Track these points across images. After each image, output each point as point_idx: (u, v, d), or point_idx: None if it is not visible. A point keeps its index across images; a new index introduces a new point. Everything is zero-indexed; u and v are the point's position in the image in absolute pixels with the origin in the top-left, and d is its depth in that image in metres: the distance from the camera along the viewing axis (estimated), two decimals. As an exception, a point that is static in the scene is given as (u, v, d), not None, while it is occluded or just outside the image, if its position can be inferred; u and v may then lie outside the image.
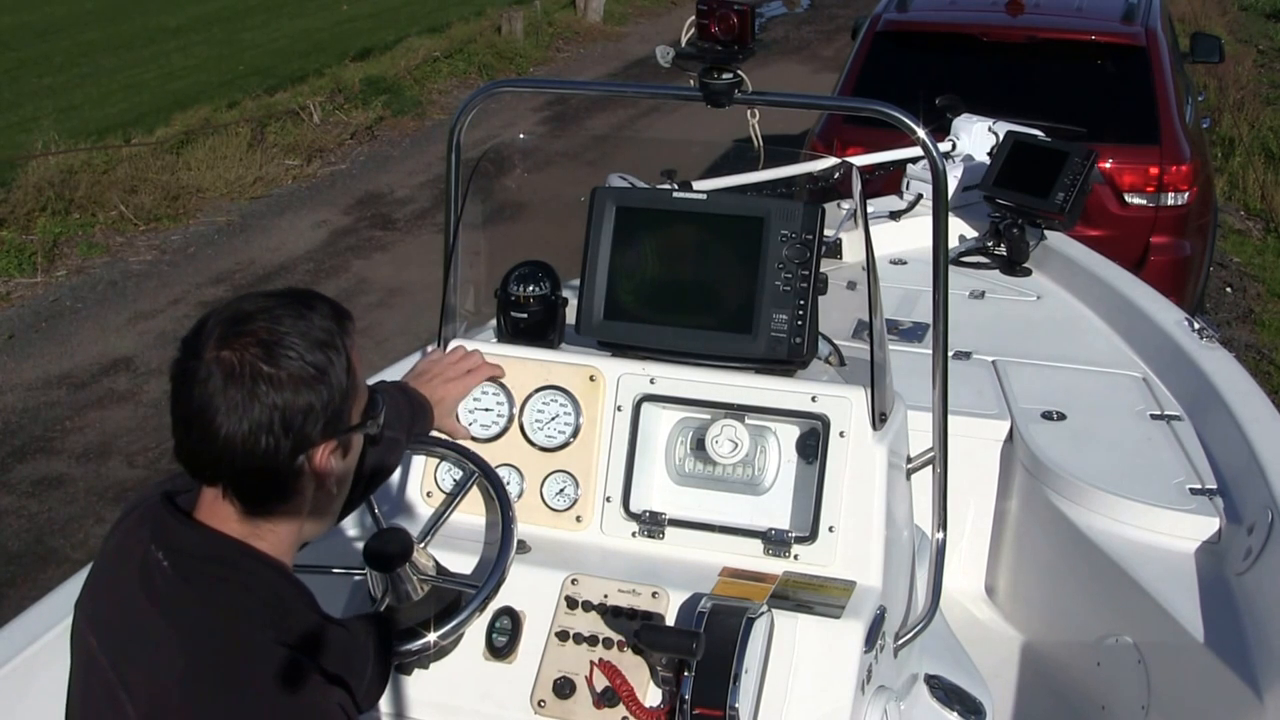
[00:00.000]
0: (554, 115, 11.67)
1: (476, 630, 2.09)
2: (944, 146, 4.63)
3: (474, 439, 2.33)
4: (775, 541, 2.17)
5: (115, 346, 7.10)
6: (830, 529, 2.15)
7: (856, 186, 2.57)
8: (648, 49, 12.97)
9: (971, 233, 4.44)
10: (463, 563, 2.13)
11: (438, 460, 2.33)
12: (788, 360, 2.24)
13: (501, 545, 2.06)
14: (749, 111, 3.06)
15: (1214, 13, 15.12)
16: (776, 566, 2.15)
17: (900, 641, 2.27)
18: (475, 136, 2.48)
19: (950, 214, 2.78)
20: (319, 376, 1.53)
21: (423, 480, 2.36)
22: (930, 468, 2.31)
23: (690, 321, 2.27)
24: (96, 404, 6.42)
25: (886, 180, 4.87)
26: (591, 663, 2.06)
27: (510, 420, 2.34)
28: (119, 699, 1.54)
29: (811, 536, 2.15)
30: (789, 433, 2.23)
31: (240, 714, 1.50)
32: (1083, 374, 3.45)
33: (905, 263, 4.11)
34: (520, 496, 2.30)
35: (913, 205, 4.48)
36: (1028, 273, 4.18)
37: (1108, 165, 5.48)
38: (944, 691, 2.39)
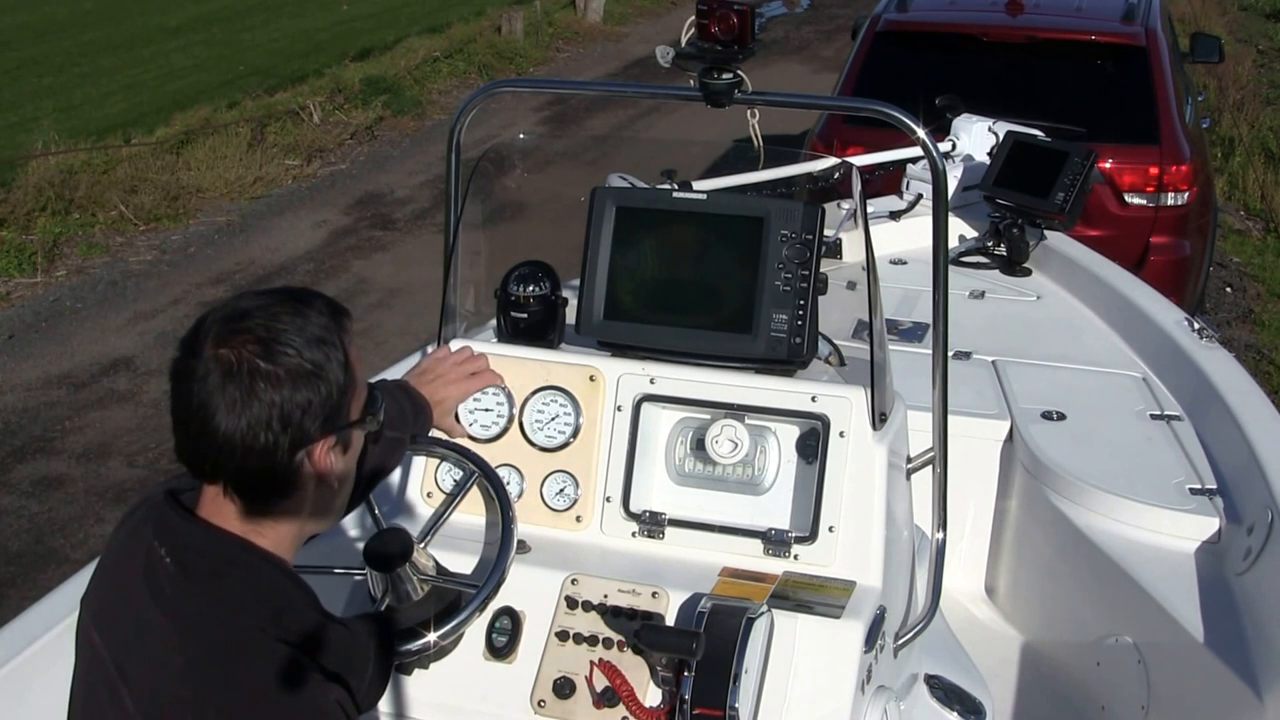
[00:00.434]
0: (554, 115, 11.67)
1: (476, 630, 2.09)
2: (944, 146, 4.63)
3: (474, 439, 2.33)
4: (775, 541, 2.17)
5: (115, 346, 7.10)
6: (830, 529, 2.15)
7: (856, 186, 2.56)
8: (648, 49, 12.96)
9: (971, 233, 4.44)
10: (463, 563, 2.13)
11: (438, 460, 2.33)
12: (788, 360, 2.24)
13: (501, 545, 2.06)
14: (749, 111, 3.06)
15: (1214, 13, 15.11)
16: (776, 566, 2.15)
17: (900, 641, 2.27)
18: (475, 136, 2.48)
19: (950, 214, 2.78)
20: (316, 373, 1.54)
21: (423, 480, 2.36)
22: (930, 468, 2.31)
23: (690, 321, 2.27)
24: (96, 404, 6.42)
25: (886, 180, 4.87)
26: (591, 663, 2.06)
27: (510, 420, 2.34)
28: (120, 693, 1.55)
29: (811, 536, 2.15)
30: (789, 433, 2.23)
31: (239, 710, 1.50)
32: (1083, 374, 3.45)
33: (905, 263, 4.11)
34: (520, 496, 2.30)
35: (913, 205, 4.48)
36: (1028, 273, 4.18)
37: (1108, 165, 5.48)
38: (944, 691, 2.39)
